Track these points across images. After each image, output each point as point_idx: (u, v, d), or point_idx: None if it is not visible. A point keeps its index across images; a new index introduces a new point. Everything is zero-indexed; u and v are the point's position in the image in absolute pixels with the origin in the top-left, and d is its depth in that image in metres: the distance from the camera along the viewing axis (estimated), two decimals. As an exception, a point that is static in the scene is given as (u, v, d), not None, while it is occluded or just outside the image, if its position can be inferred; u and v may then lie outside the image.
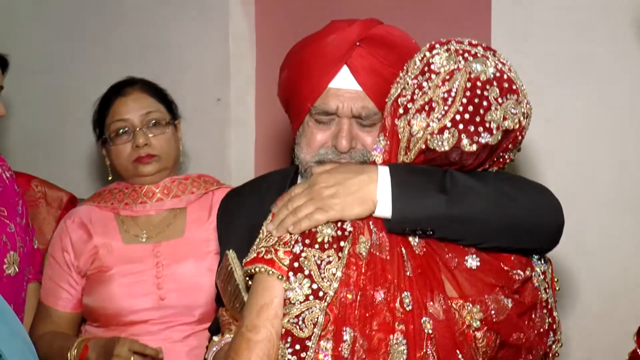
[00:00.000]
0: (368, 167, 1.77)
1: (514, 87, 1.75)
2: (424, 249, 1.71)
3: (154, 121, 2.62)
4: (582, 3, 2.78)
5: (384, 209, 1.71)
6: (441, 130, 1.70)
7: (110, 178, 2.71)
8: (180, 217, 2.67)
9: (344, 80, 2.03)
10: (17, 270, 2.59)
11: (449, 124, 1.70)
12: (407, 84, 1.78)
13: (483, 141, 1.70)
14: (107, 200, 2.67)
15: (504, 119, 1.71)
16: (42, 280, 2.66)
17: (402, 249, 1.70)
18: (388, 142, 1.78)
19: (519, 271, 1.75)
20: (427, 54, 1.78)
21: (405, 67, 1.83)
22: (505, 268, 1.74)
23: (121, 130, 2.59)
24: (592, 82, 2.77)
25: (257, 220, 1.91)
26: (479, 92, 1.71)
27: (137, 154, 2.58)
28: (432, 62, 1.76)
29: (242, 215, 2.25)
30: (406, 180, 1.71)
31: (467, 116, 1.69)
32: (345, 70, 2.02)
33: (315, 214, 1.71)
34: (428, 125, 1.71)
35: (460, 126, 1.69)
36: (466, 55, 1.75)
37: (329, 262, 1.67)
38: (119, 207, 2.65)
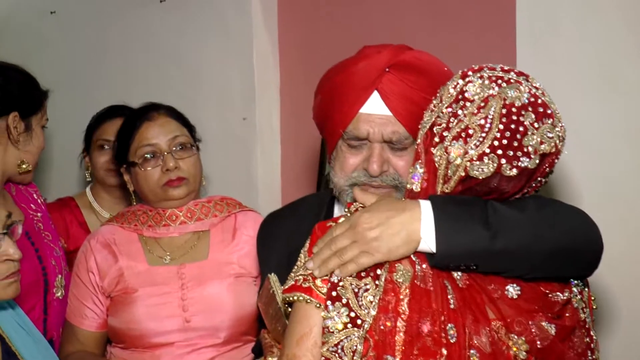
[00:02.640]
0: (409, 203, 1.75)
1: (549, 111, 1.74)
2: (467, 282, 1.70)
3: (181, 145, 2.62)
4: (607, 16, 2.77)
5: (428, 245, 1.70)
6: (480, 157, 1.70)
7: (134, 202, 2.72)
8: (203, 239, 2.67)
9: (375, 106, 2.05)
10: (64, 293, 2.68)
11: (487, 150, 1.70)
12: (442, 112, 1.78)
13: (522, 165, 1.70)
14: (131, 222, 2.67)
15: (541, 143, 1.71)
16: (68, 299, 2.66)
17: (446, 281, 1.69)
18: (425, 171, 1.78)
19: (558, 294, 1.74)
20: (461, 82, 1.79)
21: (438, 95, 1.83)
22: (546, 291, 1.73)
23: (149, 155, 2.59)
24: (617, 94, 2.75)
25: (295, 244, 1.97)
26: (514, 117, 1.71)
27: (168, 178, 2.58)
28: (466, 90, 1.76)
29: (280, 239, 2.29)
30: (449, 216, 1.70)
31: (505, 142, 1.69)
32: (375, 96, 2.05)
33: (361, 257, 1.71)
34: (466, 152, 1.71)
35: (499, 152, 1.69)
36: (499, 81, 1.76)
37: (367, 290, 1.67)
38: (142, 229, 2.65)
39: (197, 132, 2.76)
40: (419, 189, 1.78)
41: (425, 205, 1.72)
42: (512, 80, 1.76)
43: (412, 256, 1.71)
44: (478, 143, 1.71)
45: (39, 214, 2.76)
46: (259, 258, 2.37)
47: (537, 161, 1.71)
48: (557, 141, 1.74)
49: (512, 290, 1.70)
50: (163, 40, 4.06)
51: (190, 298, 2.58)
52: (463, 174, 1.72)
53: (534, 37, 2.88)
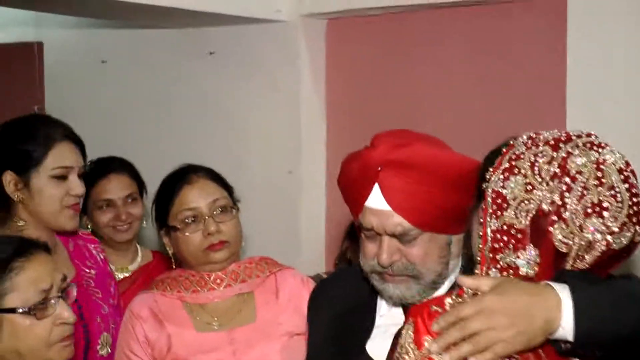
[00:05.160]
0: (542, 287, 1.65)
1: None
2: None
3: (221, 208, 2.60)
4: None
5: (565, 333, 1.61)
6: (621, 228, 1.66)
7: (174, 266, 2.70)
8: (249, 301, 2.64)
9: (377, 200, 2.07)
10: (110, 351, 2.65)
11: (626, 220, 1.66)
12: (542, 190, 1.68)
13: None
14: (173, 288, 2.63)
15: None
16: None
17: None
18: (540, 253, 1.69)
19: None
20: (555, 154, 1.70)
21: (525, 173, 1.72)
22: None
23: (189, 220, 2.58)
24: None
25: (344, 309, 2.21)
26: (631, 181, 1.69)
27: (209, 242, 2.56)
28: (571, 162, 1.69)
29: (331, 305, 2.33)
30: (589, 301, 1.62)
31: (636, 208, 1.67)
32: (377, 190, 2.06)
33: (498, 346, 1.60)
34: (607, 226, 1.66)
35: (634, 219, 1.67)
36: (595, 148, 1.71)
37: None
38: (186, 295, 2.62)
39: (237, 191, 2.75)
40: (533, 272, 1.69)
41: (563, 291, 1.62)
42: (601, 144, 1.72)
43: (539, 350, 1.64)
44: (617, 215, 1.66)
45: (92, 271, 2.76)
46: (308, 322, 2.40)
47: None
48: None
49: None
50: (210, 92, 4.10)
51: None
52: (605, 248, 1.67)
53: (585, 101, 2.84)
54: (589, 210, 1.66)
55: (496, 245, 1.71)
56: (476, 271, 1.74)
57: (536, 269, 1.69)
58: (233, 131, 4.00)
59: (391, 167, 2.05)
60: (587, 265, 1.69)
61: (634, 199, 1.66)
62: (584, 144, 1.71)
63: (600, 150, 1.71)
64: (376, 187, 2.07)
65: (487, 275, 1.71)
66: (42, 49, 4.78)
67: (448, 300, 1.71)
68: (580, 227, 1.66)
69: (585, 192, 1.66)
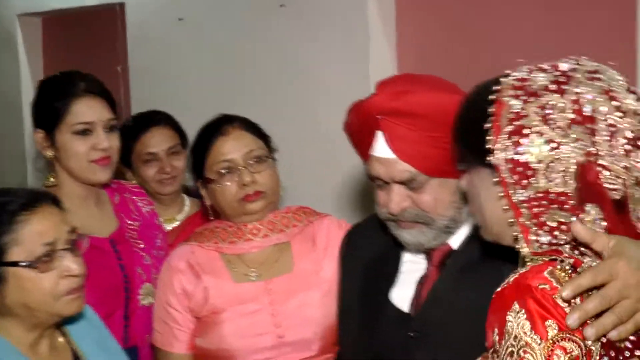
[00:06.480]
0: None
1: None
2: None
3: (256, 158, 2.58)
4: None
5: None
6: None
7: (211, 218, 2.69)
8: (286, 251, 2.62)
9: (381, 149, 2.04)
10: (153, 301, 2.69)
11: None
12: (569, 144, 1.51)
13: None
14: (210, 239, 2.63)
15: None
16: (155, 326, 2.64)
17: None
18: (602, 208, 1.52)
19: None
20: (563, 99, 1.53)
21: (539, 131, 1.53)
22: None
23: (225, 170, 2.56)
24: None
25: (367, 258, 2.24)
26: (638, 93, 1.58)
27: (245, 193, 2.54)
28: (584, 100, 1.52)
29: (357, 252, 2.37)
30: None
31: None
32: (381, 139, 2.03)
33: (638, 316, 1.45)
34: None
35: None
36: (591, 76, 1.55)
37: None
38: (223, 246, 2.62)
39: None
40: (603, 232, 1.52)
41: None
42: (596, 67, 1.58)
43: None
44: None
45: (136, 223, 2.81)
46: (340, 270, 2.43)
47: None
48: None
49: None
50: (282, 45, 4.08)
51: (281, 313, 2.53)
52: None
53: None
54: (628, 147, 1.51)
55: (536, 211, 1.54)
56: (521, 244, 1.57)
57: (604, 225, 1.52)
58: (304, 83, 3.97)
59: (392, 116, 2.01)
60: None
61: None
62: (584, 77, 1.55)
63: (598, 75, 1.55)
64: (380, 135, 2.04)
65: (536, 241, 1.55)
66: (123, 9, 4.87)
67: (557, 274, 1.49)
68: (626, 168, 1.51)
69: (612, 129, 1.51)
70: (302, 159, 3.79)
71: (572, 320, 1.42)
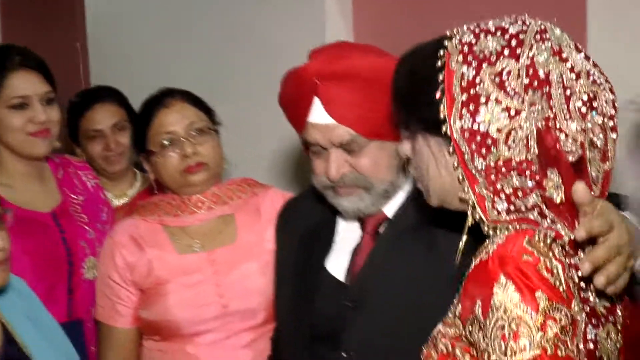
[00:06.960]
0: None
1: None
2: None
3: (198, 130, 2.58)
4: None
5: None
6: (612, 117, 1.52)
7: (156, 192, 2.69)
8: (230, 223, 2.63)
9: (319, 114, 2.04)
10: (96, 274, 2.69)
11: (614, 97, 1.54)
12: (527, 110, 1.47)
13: None
14: (153, 213, 2.64)
15: None
16: (97, 300, 2.65)
17: None
18: (560, 172, 1.49)
19: None
20: (517, 63, 1.49)
21: (496, 98, 1.49)
22: None
23: (167, 142, 2.56)
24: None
25: (303, 229, 2.23)
26: (586, 53, 1.56)
27: (186, 164, 2.55)
28: (537, 63, 1.48)
29: (292, 224, 2.36)
30: None
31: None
32: (318, 104, 2.03)
33: (626, 275, 1.49)
34: (605, 113, 1.50)
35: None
36: (541, 36, 1.51)
37: None
38: (167, 219, 2.62)
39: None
40: (558, 200, 1.49)
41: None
42: (542, 26, 1.54)
43: None
44: (606, 98, 1.50)
45: (80, 197, 2.81)
46: (275, 242, 2.44)
47: None
48: None
49: None
50: (234, 10, 4.02)
51: (225, 283, 2.55)
52: (615, 136, 1.52)
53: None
54: (584, 110, 1.49)
55: (493, 178, 1.50)
56: (476, 212, 1.54)
57: (560, 197, 1.49)
58: (254, 47, 3.92)
59: (329, 80, 2.01)
60: (609, 168, 1.53)
61: (602, 72, 1.50)
62: (534, 39, 1.50)
63: (547, 35, 1.51)
64: (316, 101, 2.04)
65: (493, 209, 1.52)
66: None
67: (536, 244, 1.46)
68: (583, 130, 1.48)
69: (567, 92, 1.48)
70: (254, 133, 3.77)
71: (586, 268, 1.43)
